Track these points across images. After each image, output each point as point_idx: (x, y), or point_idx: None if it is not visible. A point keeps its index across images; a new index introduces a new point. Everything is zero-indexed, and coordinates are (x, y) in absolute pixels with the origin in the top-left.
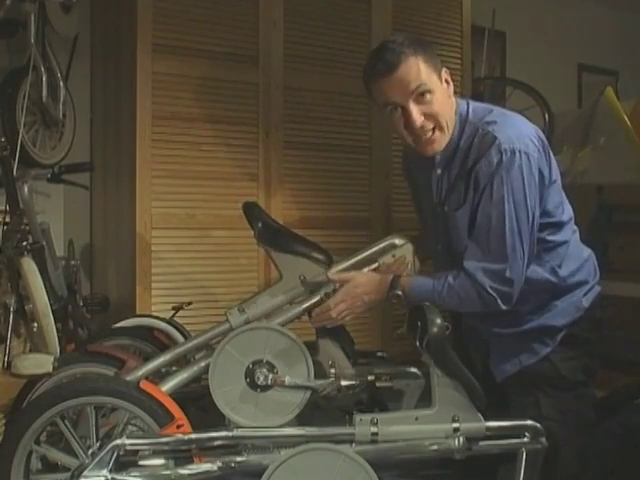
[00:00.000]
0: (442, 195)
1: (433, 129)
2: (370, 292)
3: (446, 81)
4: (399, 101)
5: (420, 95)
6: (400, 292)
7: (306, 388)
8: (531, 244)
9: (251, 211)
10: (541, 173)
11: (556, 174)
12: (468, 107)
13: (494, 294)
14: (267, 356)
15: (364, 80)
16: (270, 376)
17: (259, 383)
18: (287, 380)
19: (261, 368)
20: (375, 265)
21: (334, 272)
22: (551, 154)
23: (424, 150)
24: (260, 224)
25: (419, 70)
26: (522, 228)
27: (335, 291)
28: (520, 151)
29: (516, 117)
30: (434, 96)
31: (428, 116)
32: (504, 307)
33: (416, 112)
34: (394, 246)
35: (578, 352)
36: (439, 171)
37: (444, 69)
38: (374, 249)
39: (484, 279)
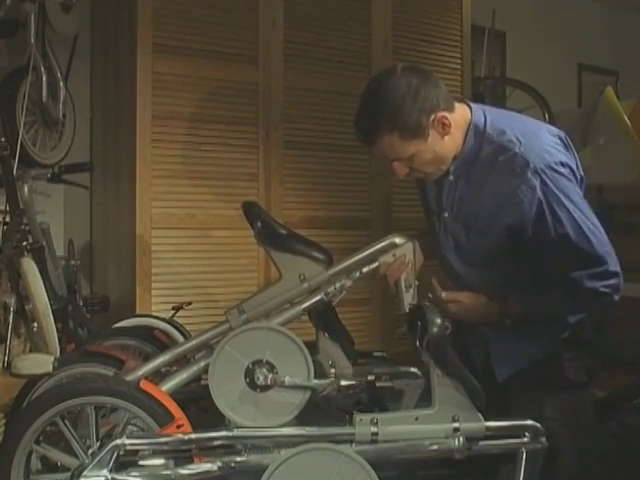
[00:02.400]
0: (453, 202)
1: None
2: (479, 318)
3: (441, 125)
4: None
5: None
6: (509, 321)
7: (306, 388)
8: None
9: (251, 210)
10: (575, 174)
11: (582, 172)
12: (485, 119)
13: (606, 290)
14: (267, 356)
15: None
16: (270, 376)
17: (259, 383)
18: (287, 380)
19: (261, 368)
20: (375, 264)
21: (446, 293)
22: (575, 153)
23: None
24: (260, 223)
25: (394, 147)
26: (596, 224)
27: (336, 289)
28: (556, 163)
29: (535, 126)
30: (415, 159)
31: (413, 169)
32: (617, 297)
33: (398, 168)
34: (394, 245)
35: (580, 353)
36: (452, 177)
37: (440, 114)
38: (374, 248)
39: (593, 283)
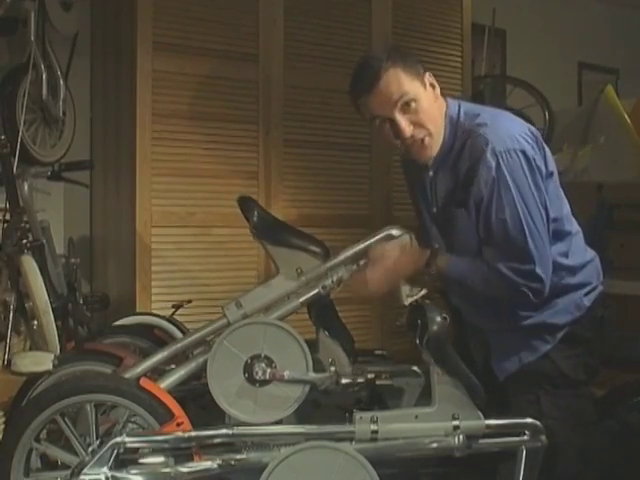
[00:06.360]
0: (436, 196)
1: (424, 136)
2: (405, 265)
3: (431, 85)
4: (385, 114)
5: (405, 105)
6: (434, 272)
7: (305, 382)
8: (548, 236)
9: (246, 205)
10: (538, 167)
11: (552, 167)
12: (459, 110)
13: (527, 291)
14: (265, 351)
15: (350, 97)
16: (268, 371)
17: (258, 378)
18: (286, 374)
19: (259, 363)
20: None
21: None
22: (545, 148)
23: (418, 157)
24: (255, 218)
25: (399, 81)
26: (538, 224)
27: (333, 282)
28: (515, 150)
29: (505, 116)
30: (419, 104)
31: (417, 125)
32: (536, 301)
33: (404, 123)
34: (391, 237)
35: (579, 350)
36: (431, 173)
37: (427, 74)
38: (372, 240)
39: (517, 279)
